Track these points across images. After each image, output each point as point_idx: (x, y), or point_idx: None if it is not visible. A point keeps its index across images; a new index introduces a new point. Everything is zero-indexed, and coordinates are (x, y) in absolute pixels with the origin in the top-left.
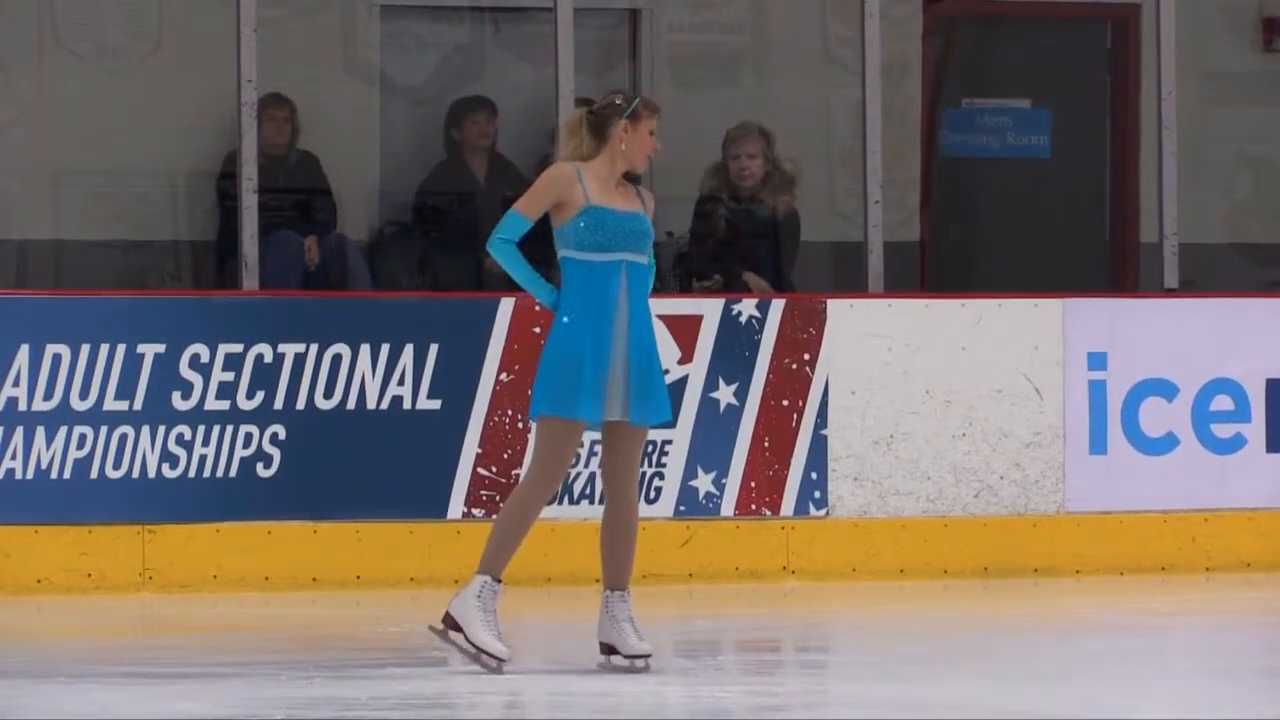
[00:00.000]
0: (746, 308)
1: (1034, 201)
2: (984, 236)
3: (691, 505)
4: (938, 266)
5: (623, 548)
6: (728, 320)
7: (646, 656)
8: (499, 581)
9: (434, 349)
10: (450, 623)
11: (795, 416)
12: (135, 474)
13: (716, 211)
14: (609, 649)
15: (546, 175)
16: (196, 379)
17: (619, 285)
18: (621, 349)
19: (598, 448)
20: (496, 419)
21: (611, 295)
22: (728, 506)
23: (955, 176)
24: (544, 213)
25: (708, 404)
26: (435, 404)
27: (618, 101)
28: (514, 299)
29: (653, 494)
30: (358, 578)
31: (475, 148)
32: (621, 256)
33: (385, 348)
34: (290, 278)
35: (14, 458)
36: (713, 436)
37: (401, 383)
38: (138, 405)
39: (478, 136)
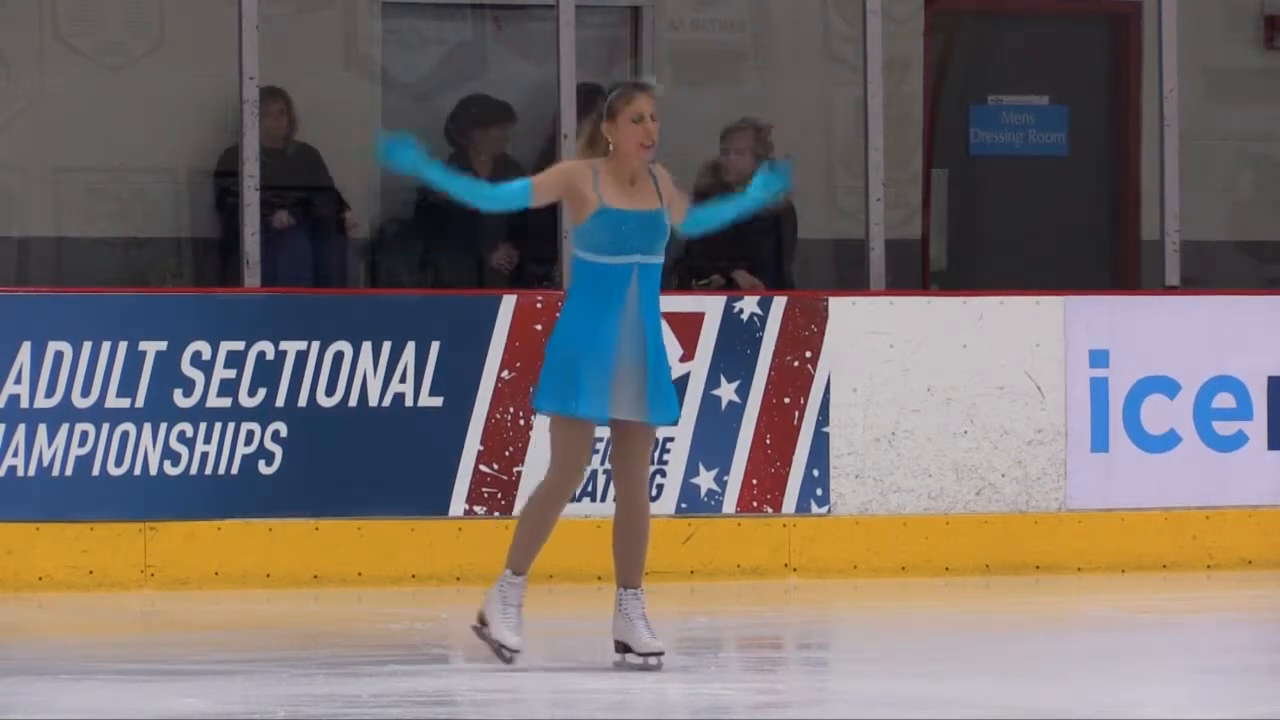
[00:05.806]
0: (748, 305)
1: (1048, 199)
2: (997, 234)
3: (693, 503)
4: (954, 264)
5: (634, 546)
6: (729, 318)
7: (659, 654)
8: (520, 575)
9: (435, 346)
10: (482, 619)
11: (797, 414)
12: (137, 471)
13: None
14: (623, 647)
15: (560, 164)
16: (198, 376)
17: (628, 287)
18: (630, 349)
19: (599, 446)
20: (498, 416)
21: (619, 297)
22: (729, 504)
23: (979, 173)
24: (554, 197)
25: (709, 401)
26: (437, 401)
27: (600, 102)
28: (515, 296)
29: (654, 491)
30: (359, 575)
31: (490, 155)
32: (633, 259)
33: (387, 345)
34: (292, 275)
35: (16, 455)
36: (714, 434)
37: (403, 380)
38: (139, 402)
39: (495, 146)
